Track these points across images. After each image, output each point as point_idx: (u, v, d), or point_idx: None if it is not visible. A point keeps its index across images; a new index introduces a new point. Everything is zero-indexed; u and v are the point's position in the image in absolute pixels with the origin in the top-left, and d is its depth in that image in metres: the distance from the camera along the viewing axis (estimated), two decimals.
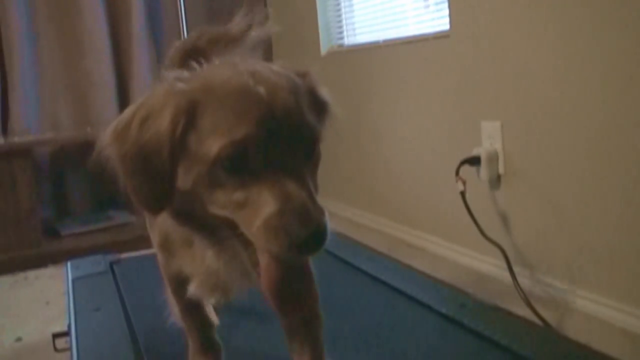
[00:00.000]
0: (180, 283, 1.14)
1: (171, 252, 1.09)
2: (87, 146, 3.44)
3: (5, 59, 3.53)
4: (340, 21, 3.32)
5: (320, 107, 0.94)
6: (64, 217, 3.69)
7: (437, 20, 2.50)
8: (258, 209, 0.79)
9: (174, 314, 1.30)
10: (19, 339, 2.20)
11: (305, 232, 0.77)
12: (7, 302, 2.66)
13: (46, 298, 2.61)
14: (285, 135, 0.81)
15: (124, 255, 2.42)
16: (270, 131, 0.80)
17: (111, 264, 2.23)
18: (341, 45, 3.33)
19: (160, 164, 0.84)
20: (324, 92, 0.96)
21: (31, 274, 3.01)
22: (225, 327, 1.56)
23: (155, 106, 0.85)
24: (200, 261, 1.00)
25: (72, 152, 3.75)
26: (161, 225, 1.07)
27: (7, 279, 2.96)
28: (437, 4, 2.53)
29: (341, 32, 3.33)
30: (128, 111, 0.88)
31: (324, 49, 3.40)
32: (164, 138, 0.83)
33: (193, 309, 1.24)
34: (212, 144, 0.80)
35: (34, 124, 3.63)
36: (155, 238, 1.14)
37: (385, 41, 2.86)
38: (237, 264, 0.94)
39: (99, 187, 3.83)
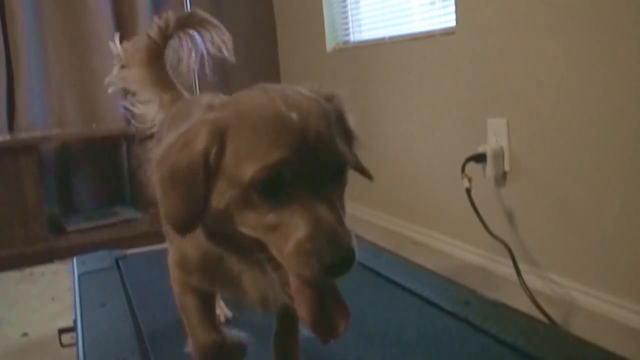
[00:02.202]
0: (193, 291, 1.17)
1: (189, 272, 1.11)
2: (92, 142, 3.43)
3: (12, 55, 3.54)
4: (346, 18, 3.32)
5: (347, 131, 0.97)
6: (70, 213, 3.69)
7: (443, 16, 2.50)
8: (289, 233, 0.81)
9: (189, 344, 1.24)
10: (25, 334, 2.21)
11: (335, 257, 0.79)
12: (13, 297, 2.67)
13: (52, 294, 2.62)
14: (317, 161, 0.83)
15: (130, 251, 2.43)
16: (302, 156, 0.82)
17: (117, 260, 2.23)
18: (347, 42, 3.33)
19: (194, 189, 0.87)
20: (351, 120, 0.99)
21: (37, 269, 3.02)
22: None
23: (190, 134, 0.88)
24: (232, 280, 1.03)
25: (78, 148, 3.75)
26: (184, 245, 1.08)
27: (13, 275, 2.97)
28: (443, 0, 2.53)
29: (347, 29, 3.33)
30: (168, 139, 0.91)
31: (329, 46, 3.39)
32: (198, 165, 0.86)
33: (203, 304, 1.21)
34: (246, 167, 0.82)
35: (40, 120, 3.64)
36: (172, 253, 1.16)
37: (391, 38, 2.85)
38: (267, 283, 0.96)
39: (105, 183, 3.84)
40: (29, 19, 3.56)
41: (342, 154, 0.87)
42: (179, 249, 1.11)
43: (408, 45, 2.69)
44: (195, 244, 1.01)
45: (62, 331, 1.95)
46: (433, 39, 2.51)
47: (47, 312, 2.40)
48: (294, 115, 0.84)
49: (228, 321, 1.68)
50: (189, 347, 1.21)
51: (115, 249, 2.37)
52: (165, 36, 1.68)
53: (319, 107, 0.89)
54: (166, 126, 1.41)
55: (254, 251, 0.90)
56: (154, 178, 0.92)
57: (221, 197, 0.86)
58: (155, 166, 0.92)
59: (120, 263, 2.21)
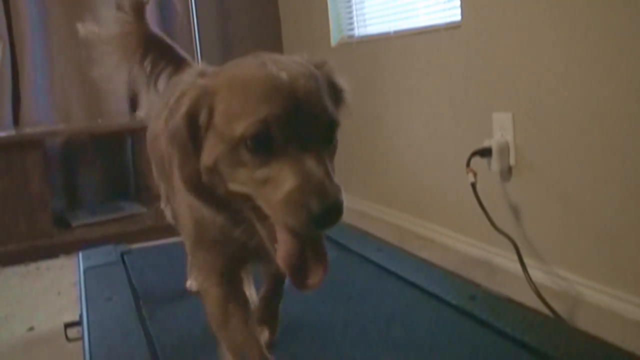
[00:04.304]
0: (228, 300, 1.14)
1: (208, 241, 1.12)
2: (97, 137, 3.43)
3: (17, 50, 3.54)
4: (350, 12, 3.31)
5: (337, 95, 1.01)
6: (75, 208, 3.70)
7: (449, 11, 2.49)
8: (278, 185, 0.85)
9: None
10: (31, 329, 2.22)
11: (322, 207, 0.82)
12: (19, 292, 2.68)
13: (58, 288, 2.63)
14: (306, 117, 0.87)
15: (135, 245, 2.43)
16: (292, 112, 0.86)
17: (122, 254, 2.24)
18: (352, 37, 3.32)
19: (184, 148, 0.93)
20: (341, 80, 1.03)
21: (43, 264, 3.03)
22: None
23: (180, 99, 0.94)
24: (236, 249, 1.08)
25: (83, 143, 3.76)
26: (192, 214, 1.11)
27: (19, 270, 2.98)
28: None
29: (352, 23, 3.32)
30: (171, 98, 0.97)
31: (334, 40, 3.39)
32: (181, 126, 0.92)
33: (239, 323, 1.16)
34: (237, 124, 0.87)
35: (45, 115, 3.65)
36: (187, 232, 1.18)
37: (396, 32, 2.85)
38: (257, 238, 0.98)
39: (110, 178, 3.84)
40: (34, 14, 3.57)
41: (331, 112, 0.91)
42: (190, 220, 1.13)
43: (413, 39, 2.69)
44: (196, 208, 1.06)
45: (68, 325, 1.96)
46: (438, 34, 2.51)
47: (53, 306, 2.41)
48: (284, 75, 0.88)
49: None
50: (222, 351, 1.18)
51: (120, 244, 2.37)
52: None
53: (308, 70, 0.93)
54: (166, 95, 1.44)
55: (242, 207, 0.93)
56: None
57: (212, 153, 0.91)
58: (163, 126, 0.98)
59: (126, 257, 2.21)
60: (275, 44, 4.09)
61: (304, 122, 0.87)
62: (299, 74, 0.90)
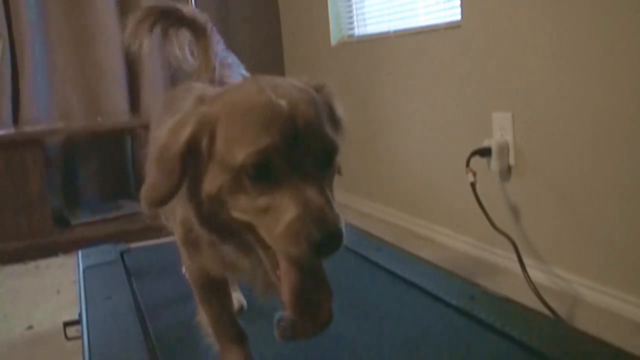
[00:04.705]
0: (204, 276, 1.23)
1: (195, 247, 1.15)
2: (97, 136, 3.43)
3: (16, 48, 3.53)
4: (350, 11, 3.31)
5: (336, 120, 1.00)
6: (75, 207, 3.70)
7: (449, 10, 2.49)
8: (279, 215, 0.85)
9: (200, 313, 1.33)
10: (30, 327, 2.22)
11: (323, 236, 0.82)
12: (18, 290, 2.68)
13: (57, 287, 2.63)
14: (306, 145, 0.87)
15: (134, 244, 2.43)
16: (291, 141, 0.86)
17: (121, 253, 2.24)
18: (351, 36, 3.32)
19: (172, 173, 0.93)
20: (339, 107, 1.02)
21: (42, 263, 3.03)
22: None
23: (179, 124, 0.94)
24: (224, 260, 1.08)
25: (83, 141, 3.76)
26: (185, 220, 1.11)
27: (18, 268, 2.98)
28: None
29: (352, 23, 3.32)
30: (164, 125, 0.97)
31: (334, 40, 3.39)
32: (178, 153, 0.92)
33: (219, 298, 1.29)
34: (237, 153, 0.86)
35: (44, 113, 3.64)
36: (177, 232, 1.20)
37: (395, 32, 2.85)
38: (260, 267, 0.99)
39: (110, 176, 3.84)
40: (34, 13, 3.56)
41: (331, 140, 0.91)
42: (181, 223, 1.15)
43: (413, 39, 2.69)
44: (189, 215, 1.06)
45: (67, 324, 1.96)
46: (438, 33, 2.51)
47: (52, 305, 2.41)
48: (283, 103, 0.88)
49: (242, 309, 1.68)
50: (199, 317, 1.32)
51: (120, 243, 2.37)
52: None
53: (307, 96, 0.93)
54: (164, 108, 1.44)
55: (245, 237, 0.93)
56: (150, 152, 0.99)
57: (214, 181, 0.91)
58: (150, 147, 0.99)
59: (125, 256, 2.21)
60: (275, 44, 4.08)
61: (304, 150, 0.87)
62: (298, 101, 0.89)
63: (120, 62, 3.77)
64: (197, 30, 1.69)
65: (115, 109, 3.76)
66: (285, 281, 0.89)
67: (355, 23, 3.29)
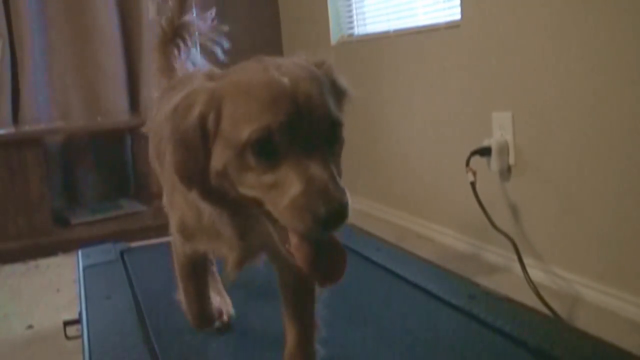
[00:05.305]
0: (192, 262, 1.33)
1: (187, 235, 1.20)
2: (97, 135, 3.43)
3: (16, 48, 3.54)
4: (350, 11, 3.31)
5: (339, 93, 1.03)
6: (75, 206, 3.70)
7: (448, 10, 2.49)
8: (284, 191, 0.87)
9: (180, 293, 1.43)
10: (30, 327, 2.22)
11: (327, 210, 0.84)
12: (18, 289, 2.68)
13: (57, 286, 2.63)
14: (308, 121, 0.89)
15: (134, 243, 2.43)
16: (294, 117, 0.88)
17: (121, 253, 2.24)
18: (351, 35, 3.32)
19: (193, 151, 0.95)
20: (341, 79, 1.05)
21: (42, 262, 3.03)
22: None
23: (189, 99, 0.96)
24: (226, 240, 1.10)
25: (83, 141, 3.76)
26: (183, 211, 1.16)
27: (18, 267, 2.98)
28: None
29: (351, 22, 3.32)
30: (171, 102, 0.99)
31: (334, 39, 3.39)
32: (194, 128, 0.94)
33: (198, 279, 1.39)
34: (242, 130, 0.89)
35: (44, 113, 3.64)
36: (173, 221, 1.23)
37: (395, 31, 2.85)
38: (260, 238, 1.04)
39: (110, 176, 3.84)
40: (34, 12, 3.56)
41: (333, 114, 0.92)
42: (178, 215, 1.19)
43: (413, 38, 2.69)
44: (191, 207, 1.10)
45: (67, 323, 1.96)
46: (438, 33, 2.51)
47: (52, 304, 2.41)
48: (285, 80, 0.90)
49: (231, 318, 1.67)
50: (179, 297, 1.42)
51: (119, 242, 2.37)
52: (173, 27, 1.76)
53: (309, 73, 0.95)
54: (166, 97, 1.46)
55: (251, 210, 0.96)
56: (164, 132, 1.01)
57: (221, 158, 0.93)
58: (165, 122, 1.00)
59: (125, 256, 2.21)
60: (275, 43, 4.08)
61: (307, 126, 0.88)
62: (300, 78, 0.92)
63: (120, 62, 3.77)
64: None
65: (115, 109, 3.76)
66: (299, 253, 0.91)
67: (355, 22, 3.29)
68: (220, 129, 0.93)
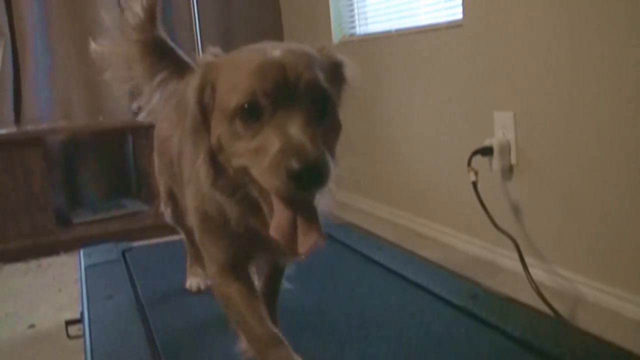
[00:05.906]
0: (229, 270, 1.20)
1: (215, 232, 1.18)
2: (99, 135, 3.43)
3: (18, 47, 3.54)
4: (352, 10, 3.31)
5: (338, 78, 1.06)
6: (76, 206, 3.70)
7: (450, 9, 2.49)
8: (266, 152, 0.90)
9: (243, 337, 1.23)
10: (32, 326, 2.22)
11: (300, 166, 0.84)
12: (20, 289, 2.68)
13: (59, 285, 2.63)
14: (294, 88, 0.93)
15: (136, 243, 2.43)
16: (280, 84, 0.92)
17: (123, 252, 2.24)
18: (353, 35, 3.32)
19: (195, 120, 1.01)
20: (348, 67, 1.08)
21: (44, 261, 3.03)
22: None
23: (191, 78, 1.04)
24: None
25: (85, 140, 3.76)
26: (198, 206, 1.17)
27: (20, 267, 2.98)
28: None
29: (353, 22, 3.32)
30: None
31: (335, 39, 3.39)
32: (192, 101, 1.01)
33: (248, 301, 1.19)
34: (232, 97, 0.94)
35: (46, 112, 3.65)
36: (195, 221, 1.22)
37: (397, 31, 2.85)
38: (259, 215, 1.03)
39: (111, 175, 3.84)
40: (35, 12, 3.57)
41: (319, 84, 0.96)
42: (197, 212, 1.18)
43: (415, 38, 2.68)
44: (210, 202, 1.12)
45: (69, 323, 1.97)
46: (440, 32, 2.51)
47: (54, 304, 2.41)
48: (275, 52, 0.96)
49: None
50: (243, 345, 1.23)
51: (121, 242, 2.38)
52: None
53: (301, 50, 1.01)
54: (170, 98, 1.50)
55: (250, 190, 0.99)
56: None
57: (216, 130, 0.98)
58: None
59: (127, 255, 2.22)
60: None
61: (291, 91, 0.92)
62: (290, 51, 0.97)
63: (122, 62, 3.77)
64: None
65: (117, 108, 3.76)
66: (275, 218, 0.93)
67: (357, 22, 3.29)
68: (216, 102, 0.98)
